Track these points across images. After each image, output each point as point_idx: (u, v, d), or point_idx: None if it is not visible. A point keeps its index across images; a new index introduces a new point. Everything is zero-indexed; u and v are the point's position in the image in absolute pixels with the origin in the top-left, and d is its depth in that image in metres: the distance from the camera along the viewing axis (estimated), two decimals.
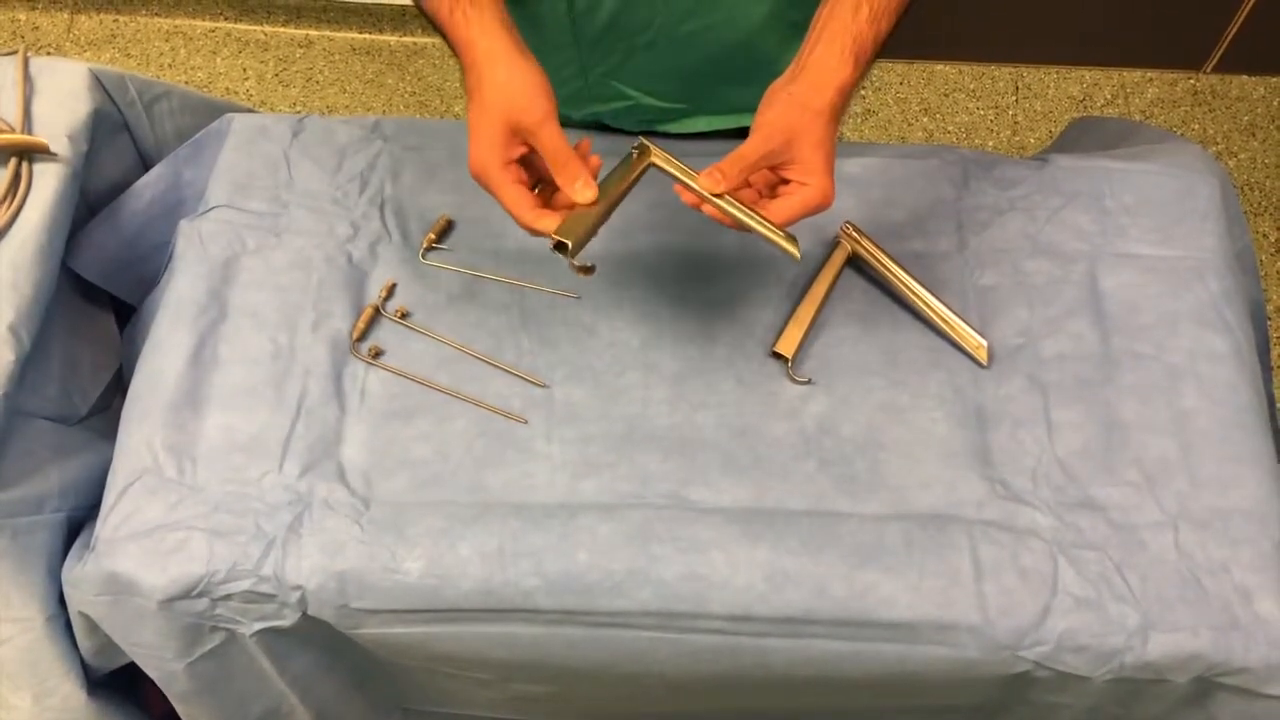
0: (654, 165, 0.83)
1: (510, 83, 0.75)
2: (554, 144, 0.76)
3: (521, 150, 0.77)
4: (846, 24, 0.77)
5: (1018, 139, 2.01)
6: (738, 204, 0.78)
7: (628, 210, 0.99)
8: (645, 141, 0.84)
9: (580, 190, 0.77)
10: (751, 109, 1.02)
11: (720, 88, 1.00)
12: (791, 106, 0.76)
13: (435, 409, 0.90)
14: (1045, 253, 0.96)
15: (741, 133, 1.03)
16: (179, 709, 0.94)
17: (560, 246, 0.76)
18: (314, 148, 1.02)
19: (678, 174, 0.82)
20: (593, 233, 0.78)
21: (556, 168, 0.76)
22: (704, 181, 0.77)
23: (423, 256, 0.97)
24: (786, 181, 0.79)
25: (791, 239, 0.79)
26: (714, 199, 0.78)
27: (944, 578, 0.82)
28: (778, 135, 0.76)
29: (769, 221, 0.78)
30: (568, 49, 0.96)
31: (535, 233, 0.77)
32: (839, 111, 0.77)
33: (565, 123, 1.03)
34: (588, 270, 0.79)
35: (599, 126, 1.06)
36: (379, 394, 0.91)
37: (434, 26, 0.80)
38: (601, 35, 0.94)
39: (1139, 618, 0.80)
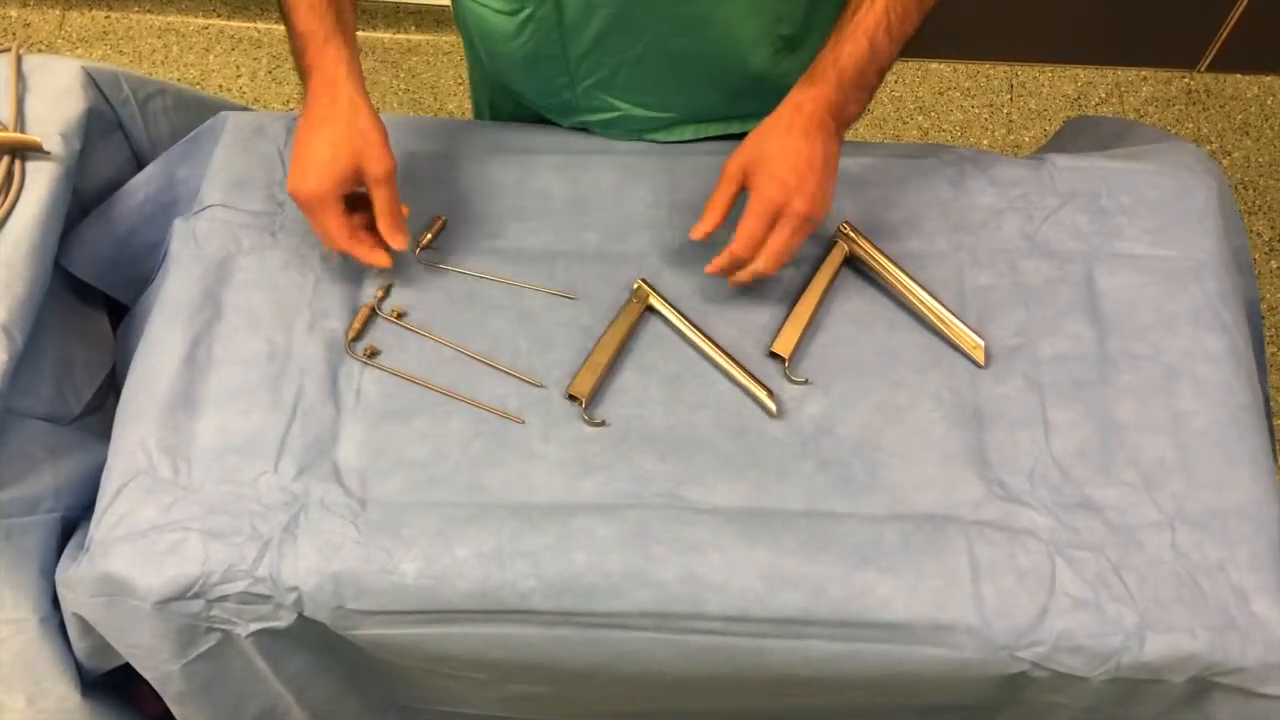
0: (651, 308, 0.94)
1: (370, 131, 0.86)
2: (389, 196, 0.88)
3: (353, 188, 0.88)
4: (816, 59, 0.86)
5: (1012, 137, 2.01)
6: (730, 358, 0.91)
7: (625, 210, 0.99)
8: (643, 285, 0.94)
9: (398, 240, 0.90)
10: (739, 117, 1.03)
11: (708, 99, 1.00)
12: (748, 138, 0.87)
13: (432, 409, 0.90)
14: (1042, 253, 0.96)
15: (730, 138, 1.03)
16: (174, 710, 0.93)
17: (573, 398, 0.89)
18: None
19: (672, 318, 0.93)
20: (600, 383, 0.90)
21: (384, 218, 0.88)
22: (692, 234, 0.89)
23: (417, 257, 0.97)
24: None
25: (771, 395, 0.89)
26: (713, 354, 0.92)
27: (941, 578, 0.82)
28: (730, 165, 0.88)
29: (753, 376, 0.90)
30: (557, 60, 0.96)
31: (344, 254, 0.91)
32: (801, 124, 0.85)
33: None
34: (600, 425, 0.89)
35: (587, 131, 1.06)
36: (375, 394, 0.91)
37: (294, 45, 0.87)
38: (591, 49, 0.94)
39: (1136, 618, 0.80)
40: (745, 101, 1.01)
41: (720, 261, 0.89)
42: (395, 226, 0.89)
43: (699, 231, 0.88)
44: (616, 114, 1.00)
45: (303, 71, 0.88)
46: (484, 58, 1.05)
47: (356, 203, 0.90)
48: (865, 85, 0.86)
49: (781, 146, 0.84)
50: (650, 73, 0.96)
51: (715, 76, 0.97)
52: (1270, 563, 0.83)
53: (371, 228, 0.90)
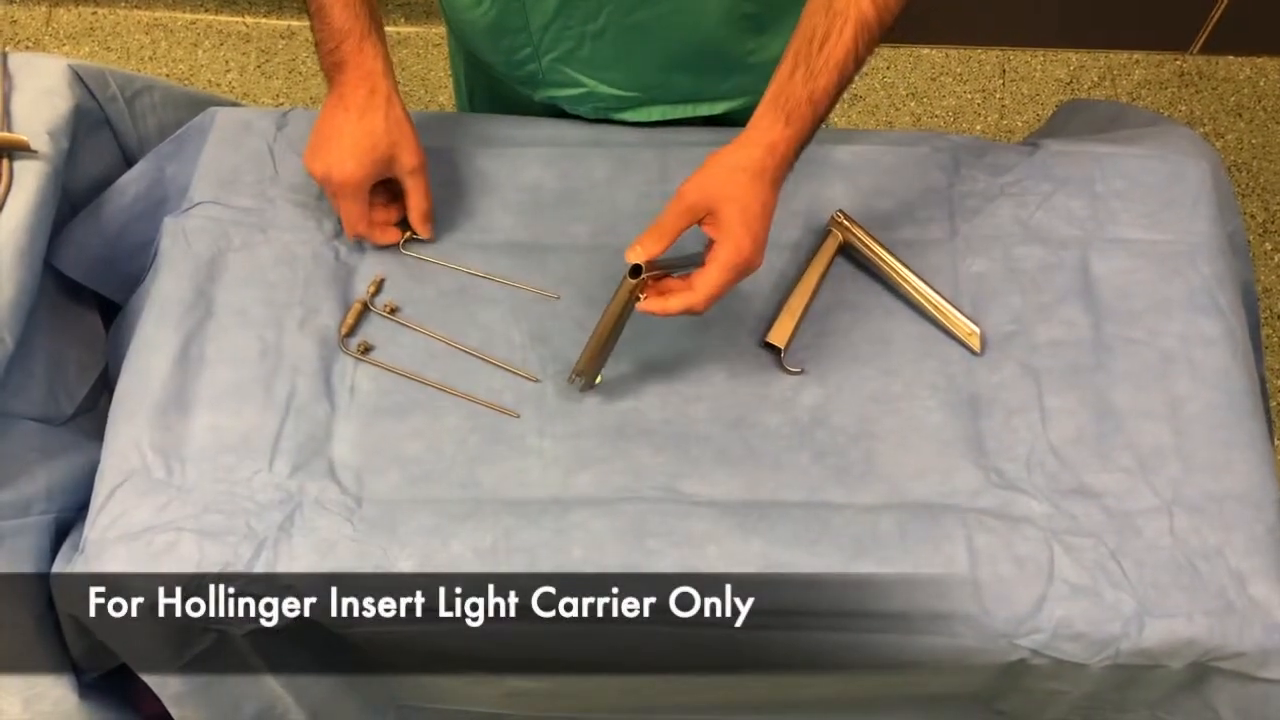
0: (649, 283, 0.82)
1: (405, 124, 0.91)
2: (423, 186, 0.94)
3: (382, 177, 0.92)
4: (782, 85, 0.79)
5: (1005, 122, 2.00)
6: None
7: (616, 202, 0.99)
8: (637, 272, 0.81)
9: (425, 230, 0.96)
10: (706, 98, 1.03)
11: (674, 77, 1.00)
12: (713, 166, 0.80)
13: (426, 405, 0.89)
14: (1037, 238, 0.96)
15: (697, 121, 1.03)
16: (172, 710, 0.93)
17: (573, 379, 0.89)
18: (299, 141, 1.00)
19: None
20: (603, 363, 0.88)
21: (416, 208, 0.94)
22: (627, 254, 0.79)
23: (402, 247, 0.96)
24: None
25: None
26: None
27: (939, 567, 0.82)
28: (691, 193, 0.79)
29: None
30: (521, 31, 0.97)
31: (360, 238, 0.96)
32: (770, 170, 0.79)
33: (524, 106, 1.07)
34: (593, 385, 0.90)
35: (557, 112, 1.06)
36: (369, 391, 0.90)
37: (324, 39, 0.89)
38: (552, 20, 0.95)
39: (1135, 604, 0.80)
40: (713, 81, 1.01)
41: (667, 308, 0.80)
42: (427, 216, 0.95)
43: (639, 255, 0.78)
44: (582, 90, 1.00)
45: (333, 65, 0.90)
46: (452, 27, 1.06)
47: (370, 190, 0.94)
48: (822, 120, 0.81)
49: (752, 195, 0.78)
50: (614, 47, 0.96)
51: (679, 53, 0.97)
52: (1268, 546, 0.83)
53: (384, 214, 0.96)
